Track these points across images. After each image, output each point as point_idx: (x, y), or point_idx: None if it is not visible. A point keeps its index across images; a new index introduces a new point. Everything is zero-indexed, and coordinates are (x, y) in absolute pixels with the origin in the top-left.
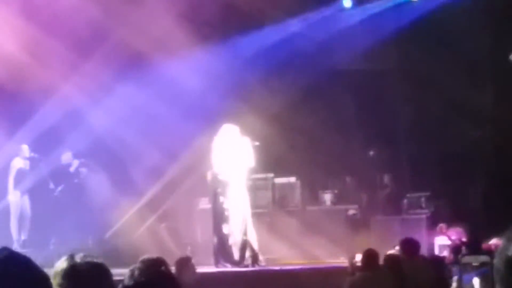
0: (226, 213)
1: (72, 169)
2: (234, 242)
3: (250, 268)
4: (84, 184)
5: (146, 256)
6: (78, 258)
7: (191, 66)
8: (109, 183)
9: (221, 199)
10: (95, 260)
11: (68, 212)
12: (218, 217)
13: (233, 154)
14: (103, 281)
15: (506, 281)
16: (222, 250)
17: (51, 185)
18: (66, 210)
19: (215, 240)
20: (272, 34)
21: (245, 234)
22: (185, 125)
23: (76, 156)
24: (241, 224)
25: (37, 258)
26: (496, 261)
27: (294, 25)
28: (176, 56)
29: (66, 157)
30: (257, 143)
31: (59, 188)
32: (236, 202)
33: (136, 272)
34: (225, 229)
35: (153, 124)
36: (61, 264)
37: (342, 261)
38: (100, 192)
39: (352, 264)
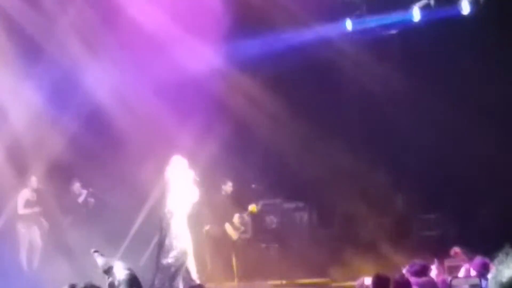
0: (167, 244)
1: (81, 199)
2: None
3: None
4: (93, 214)
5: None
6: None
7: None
8: (117, 212)
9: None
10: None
11: (78, 241)
12: (160, 248)
13: (180, 188)
14: None
15: None
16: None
17: (60, 216)
18: (75, 239)
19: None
20: (274, 44)
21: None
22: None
23: (84, 186)
24: (181, 256)
25: (51, 283)
26: (490, 286)
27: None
28: None
29: (75, 187)
30: (197, 179)
31: (68, 219)
32: (179, 235)
33: None
34: (164, 261)
35: None
36: None
37: (350, 284)
38: (107, 222)
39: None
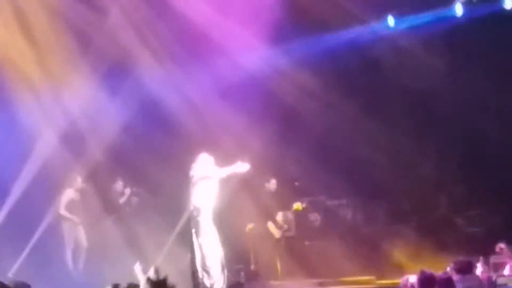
0: (199, 248)
1: (124, 198)
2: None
3: None
4: (136, 213)
5: None
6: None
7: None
8: (159, 210)
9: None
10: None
11: (121, 241)
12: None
13: (208, 186)
14: None
15: None
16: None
17: (103, 215)
18: (118, 239)
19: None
20: (315, 47)
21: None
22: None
23: (127, 185)
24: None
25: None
26: None
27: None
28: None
29: (118, 186)
30: (224, 176)
31: (112, 218)
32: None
33: None
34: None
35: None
36: None
37: (394, 282)
38: (151, 220)
39: (406, 286)
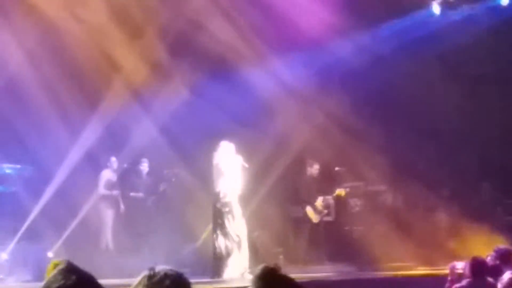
0: (225, 230)
1: (162, 178)
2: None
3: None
4: (174, 193)
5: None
6: (158, 270)
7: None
8: (198, 190)
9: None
10: (176, 272)
11: (160, 220)
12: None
13: (230, 172)
14: None
15: None
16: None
17: (142, 195)
18: (157, 218)
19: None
20: (358, 40)
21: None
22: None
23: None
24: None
25: (131, 266)
26: None
27: (381, 31)
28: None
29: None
30: (245, 164)
31: (151, 198)
32: (235, 221)
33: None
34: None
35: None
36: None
37: (438, 268)
38: (189, 201)
39: (453, 272)
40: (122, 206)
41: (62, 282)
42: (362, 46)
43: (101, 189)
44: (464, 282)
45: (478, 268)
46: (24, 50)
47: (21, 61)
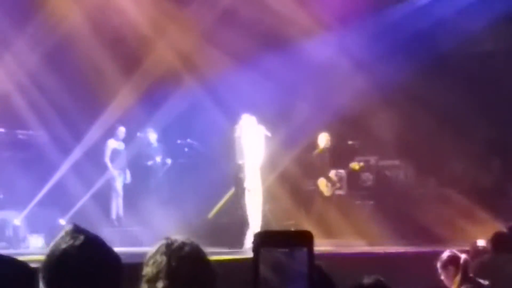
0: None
1: (179, 148)
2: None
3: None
4: (189, 164)
5: None
6: (175, 240)
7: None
8: (214, 163)
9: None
10: (192, 241)
11: (173, 191)
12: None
13: (252, 144)
14: (197, 263)
15: None
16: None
17: (156, 164)
18: (171, 189)
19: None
20: (378, 19)
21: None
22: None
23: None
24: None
25: (144, 236)
26: None
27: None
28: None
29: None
30: (269, 134)
31: (164, 168)
32: (254, 190)
33: None
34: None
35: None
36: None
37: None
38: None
39: (475, 248)
40: (129, 177)
41: (70, 242)
42: None
43: (106, 159)
44: (486, 257)
45: (503, 241)
46: None
47: None
